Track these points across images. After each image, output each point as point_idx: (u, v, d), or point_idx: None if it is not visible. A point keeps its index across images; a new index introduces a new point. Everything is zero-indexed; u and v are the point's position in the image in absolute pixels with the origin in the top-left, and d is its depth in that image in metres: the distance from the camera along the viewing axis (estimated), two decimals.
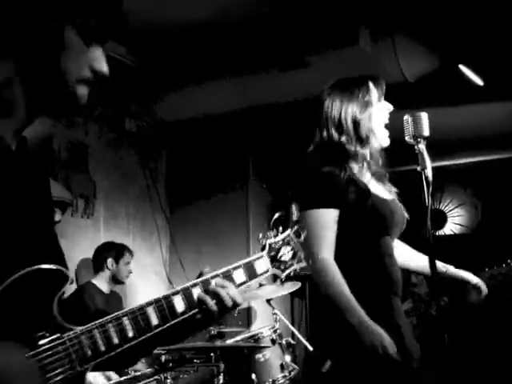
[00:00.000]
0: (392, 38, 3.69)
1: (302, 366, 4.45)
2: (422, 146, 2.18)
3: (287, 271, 1.53)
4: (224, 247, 4.91)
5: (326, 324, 2.18)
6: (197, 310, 1.32)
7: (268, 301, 4.01)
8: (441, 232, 5.95)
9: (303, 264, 1.57)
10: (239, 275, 1.44)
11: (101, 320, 1.22)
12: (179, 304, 1.31)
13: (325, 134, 2.25)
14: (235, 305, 1.36)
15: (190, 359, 3.43)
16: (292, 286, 4.00)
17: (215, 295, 1.34)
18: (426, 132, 2.20)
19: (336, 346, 2.10)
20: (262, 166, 5.02)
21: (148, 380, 2.76)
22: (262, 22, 3.76)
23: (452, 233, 5.93)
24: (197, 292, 1.33)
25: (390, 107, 2.28)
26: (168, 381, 2.72)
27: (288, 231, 1.59)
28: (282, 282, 1.58)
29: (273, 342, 3.65)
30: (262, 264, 1.50)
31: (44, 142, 3.97)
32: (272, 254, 1.53)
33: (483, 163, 5.23)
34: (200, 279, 1.36)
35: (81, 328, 1.20)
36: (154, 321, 1.26)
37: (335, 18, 3.67)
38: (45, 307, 1.18)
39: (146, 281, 4.82)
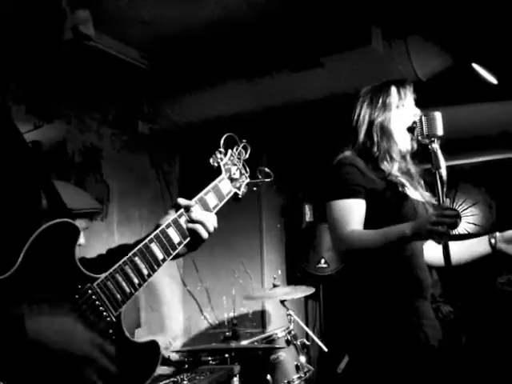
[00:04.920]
0: (404, 38, 3.68)
1: (316, 367, 4.45)
2: (435, 146, 2.18)
3: (241, 189, 1.71)
4: (237, 248, 4.93)
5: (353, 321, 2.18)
6: (189, 238, 1.51)
7: (282, 302, 4.01)
8: (454, 231, 5.91)
9: (248, 180, 1.75)
10: (211, 199, 1.59)
11: (118, 264, 1.34)
12: (174, 236, 1.47)
13: (357, 136, 2.28)
14: (214, 228, 1.56)
15: (205, 361, 3.44)
16: (306, 290, 4.01)
17: (201, 223, 1.51)
18: (440, 131, 2.19)
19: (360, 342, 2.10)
20: (275, 167, 5.01)
21: (164, 382, 2.77)
22: (275, 23, 3.76)
23: (466, 232, 5.89)
24: (184, 221, 1.50)
25: (417, 112, 2.27)
26: (185, 382, 2.73)
27: (230, 151, 1.73)
28: (239, 200, 1.70)
29: (287, 342, 3.65)
30: (225, 185, 1.66)
31: (58, 146, 4.01)
32: (227, 174, 1.67)
33: (497, 162, 5.19)
34: (182, 209, 1.52)
35: (104, 275, 1.32)
36: (160, 255, 1.42)
37: (347, 19, 3.66)
38: (65, 259, 1.27)
39: (161, 282, 4.84)
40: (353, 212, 2.11)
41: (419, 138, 2.20)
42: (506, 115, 4.48)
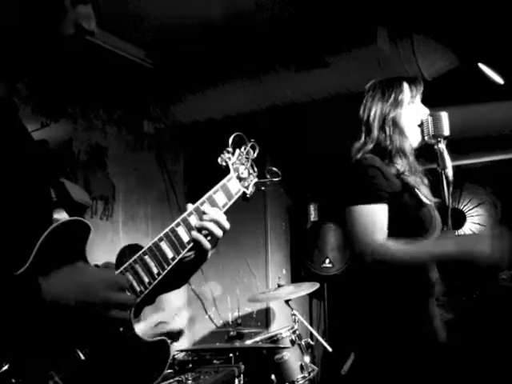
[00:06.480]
0: (410, 37, 3.67)
1: (320, 367, 4.44)
2: (442, 146, 2.17)
3: (250, 188, 1.69)
4: (242, 248, 4.92)
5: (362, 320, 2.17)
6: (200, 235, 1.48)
7: (287, 301, 4.01)
8: (460, 231, 5.90)
9: (256, 179, 1.73)
10: (220, 198, 1.58)
11: (128, 263, 1.34)
12: (184, 235, 1.46)
13: (362, 134, 2.25)
14: (225, 231, 1.53)
15: (209, 360, 3.44)
16: (311, 287, 4.00)
17: (214, 221, 1.50)
18: (446, 132, 2.18)
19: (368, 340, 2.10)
20: (280, 166, 5.00)
21: (169, 381, 2.78)
22: (280, 22, 3.76)
23: (471, 232, 5.87)
24: (194, 220, 1.49)
25: (426, 111, 2.25)
26: (189, 382, 2.73)
27: (238, 150, 1.70)
28: (247, 200, 1.69)
29: (292, 342, 3.65)
30: (234, 184, 1.64)
31: (64, 145, 4.01)
32: (236, 174, 1.66)
33: (503, 162, 5.18)
34: (192, 207, 1.50)
35: (117, 272, 1.31)
36: (170, 254, 1.41)
37: (353, 18, 3.66)
38: (76, 258, 1.26)
39: None
40: (378, 219, 2.03)
41: (425, 137, 2.19)
42: None
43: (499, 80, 4.13)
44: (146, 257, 1.36)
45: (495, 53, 3.89)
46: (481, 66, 3.97)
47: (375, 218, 2.03)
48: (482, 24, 3.60)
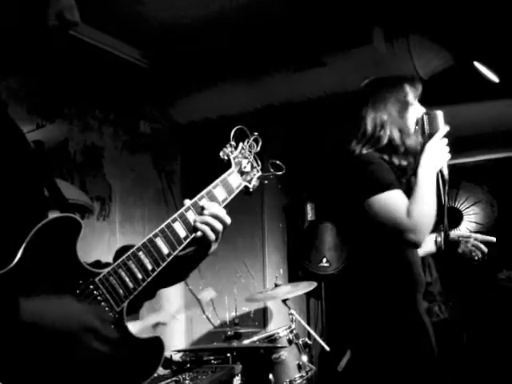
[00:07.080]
0: (406, 37, 3.68)
1: (318, 366, 4.44)
2: None
3: (252, 182, 1.67)
4: (239, 249, 4.92)
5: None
6: (195, 233, 1.45)
7: (284, 301, 4.01)
8: (457, 230, 5.91)
9: (260, 173, 1.71)
10: (220, 193, 1.54)
11: (121, 259, 1.31)
12: (180, 230, 1.42)
13: (366, 132, 2.22)
14: (225, 226, 1.49)
15: (207, 360, 3.44)
16: (308, 286, 4.00)
17: (212, 215, 1.46)
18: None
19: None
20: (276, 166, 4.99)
21: (167, 381, 2.77)
22: (277, 22, 3.76)
23: (468, 231, 5.88)
24: (191, 216, 1.45)
25: (423, 110, 2.25)
26: (187, 382, 2.73)
27: (241, 144, 1.68)
28: (250, 194, 1.66)
29: (289, 342, 3.66)
30: (235, 179, 1.61)
31: (59, 146, 4.01)
32: (238, 168, 1.63)
33: (500, 160, 5.19)
34: (190, 202, 1.48)
35: (107, 270, 1.29)
36: (165, 250, 1.37)
37: (349, 18, 3.66)
38: (67, 254, 1.23)
39: None
40: (401, 201, 2.04)
41: (421, 136, 2.19)
42: (508, 114, 4.47)
43: (494, 78, 4.14)
44: (140, 253, 1.33)
45: (490, 51, 3.90)
46: (476, 64, 3.98)
47: (398, 201, 2.04)
48: (477, 23, 3.61)
